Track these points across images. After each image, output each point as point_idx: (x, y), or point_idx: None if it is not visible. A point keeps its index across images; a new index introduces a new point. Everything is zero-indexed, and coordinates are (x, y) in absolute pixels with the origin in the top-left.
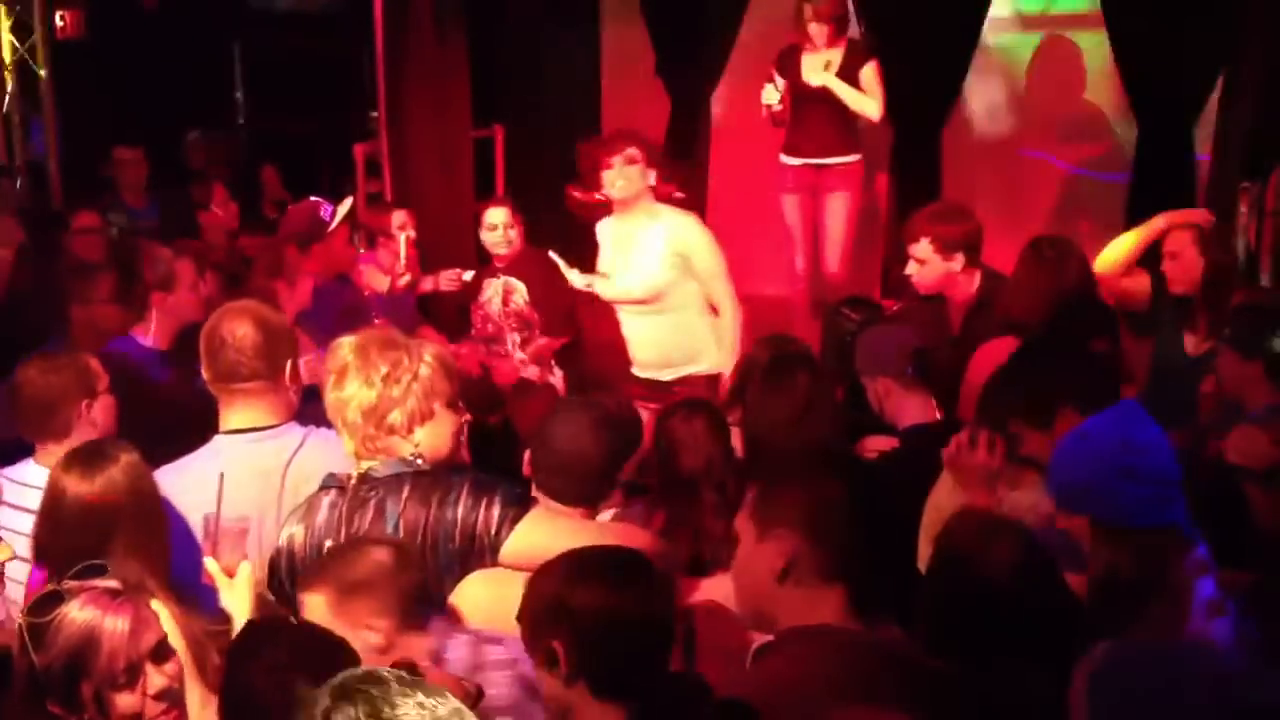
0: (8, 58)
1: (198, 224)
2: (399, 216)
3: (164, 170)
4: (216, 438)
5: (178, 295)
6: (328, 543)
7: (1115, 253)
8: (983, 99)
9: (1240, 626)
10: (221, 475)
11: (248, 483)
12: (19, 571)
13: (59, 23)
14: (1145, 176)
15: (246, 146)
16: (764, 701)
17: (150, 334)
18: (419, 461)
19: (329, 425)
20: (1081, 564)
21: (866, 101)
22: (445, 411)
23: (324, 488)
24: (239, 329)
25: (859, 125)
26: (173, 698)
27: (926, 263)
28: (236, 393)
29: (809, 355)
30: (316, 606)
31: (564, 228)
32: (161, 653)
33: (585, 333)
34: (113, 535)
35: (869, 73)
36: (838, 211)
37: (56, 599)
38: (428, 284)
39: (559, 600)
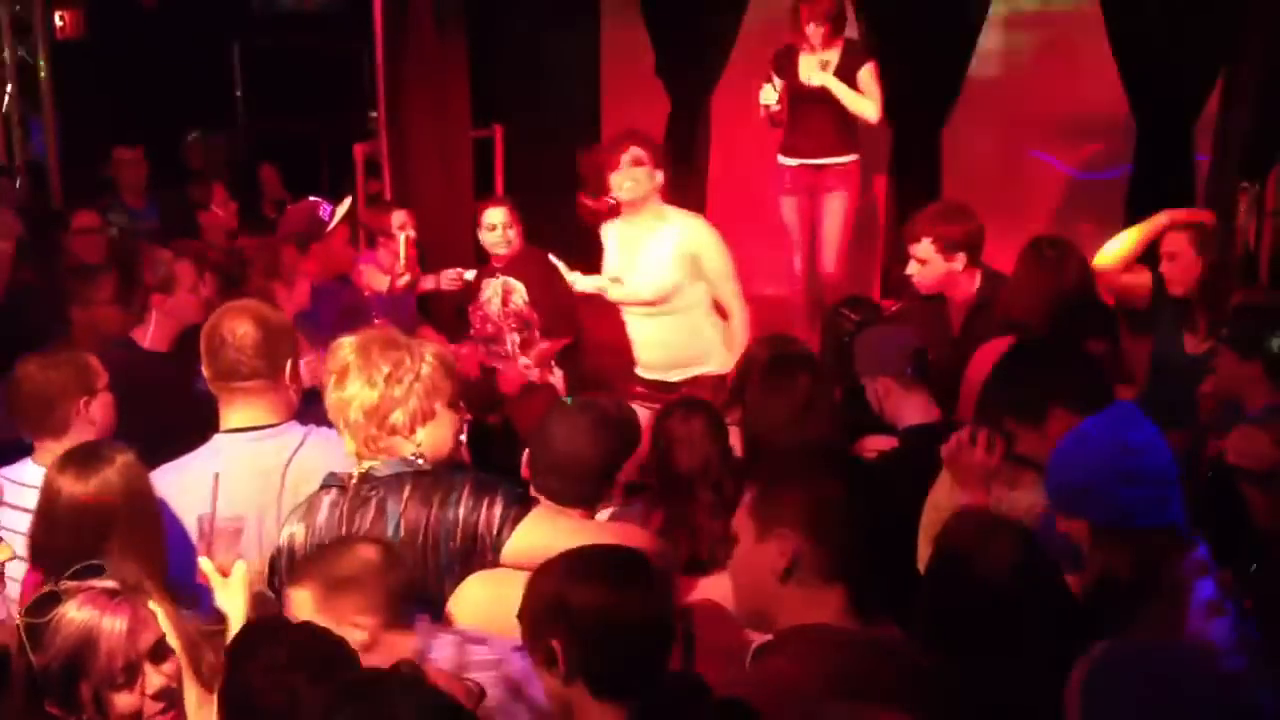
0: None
1: (197, 224)
2: (399, 216)
3: (164, 170)
4: (216, 436)
5: (177, 297)
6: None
7: (1116, 249)
8: (983, 99)
9: (1240, 626)
10: (217, 476)
11: (248, 481)
12: (19, 571)
13: (59, 23)
14: (1145, 176)
15: (246, 146)
16: (763, 701)
17: (149, 336)
18: (420, 461)
19: (330, 426)
20: (1081, 565)
21: (864, 103)
22: (446, 411)
23: (325, 487)
24: (239, 328)
25: (857, 125)
26: (171, 697)
27: (928, 262)
28: (237, 391)
29: (809, 355)
30: (303, 602)
31: (563, 227)
32: (160, 652)
33: (585, 333)
34: (107, 536)
35: (866, 74)
36: (835, 211)
37: (54, 599)
38: (428, 283)
39: (558, 599)
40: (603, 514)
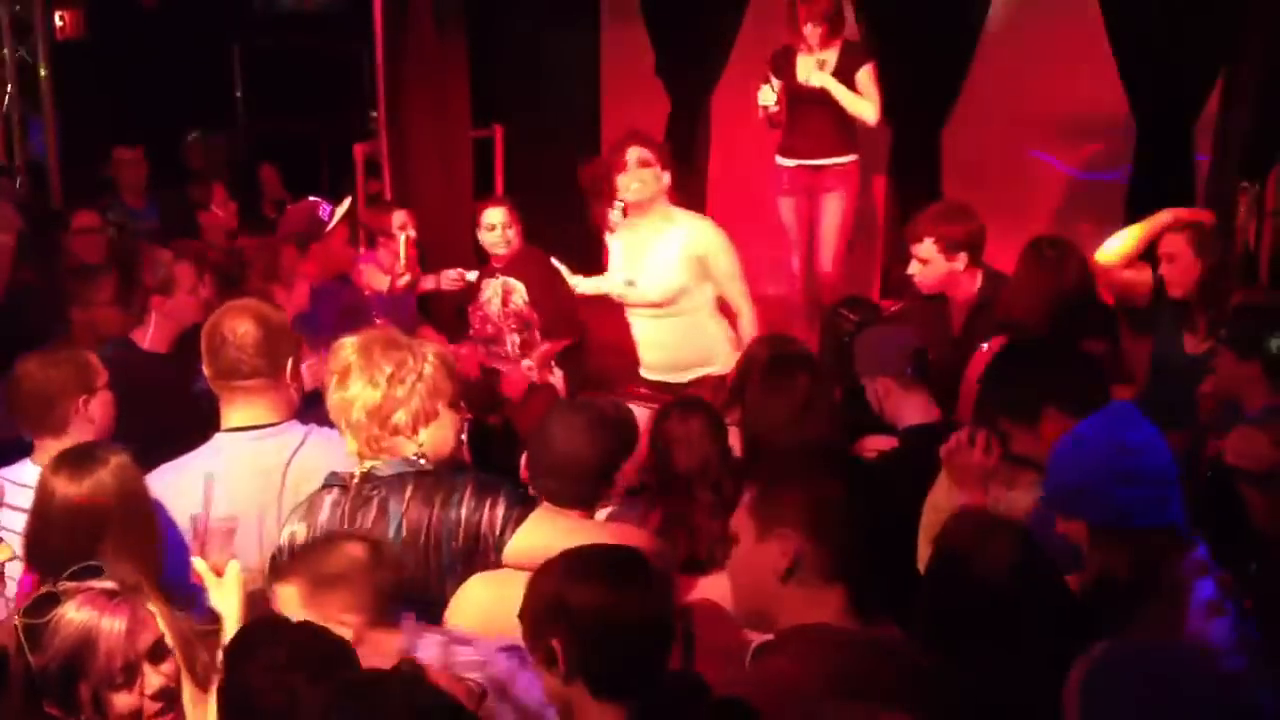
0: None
1: (197, 224)
2: (399, 216)
3: (164, 170)
4: (217, 435)
5: (177, 299)
6: None
7: (1117, 246)
8: (983, 99)
9: (1239, 627)
10: (209, 476)
11: (248, 480)
12: (19, 571)
13: (59, 23)
14: (1145, 176)
15: (246, 146)
16: (763, 701)
17: (149, 337)
18: (422, 461)
19: (331, 426)
20: (1080, 565)
21: (863, 104)
22: (448, 411)
23: (327, 486)
24: (240, 326)
25: (856, 126)
26: (170, 697)
27: (930, 262)
28: (238, 390)
29: (808, 355)
30: (289, 597)
31: (563, 228)
32: (159, 653)
33: (586, 333)
34: (101, 537)
35: (865, 76)
36: (833, 212)
37: (52, 600)
38: (428, 284)
39: (558, 599)
40: (601, 514)
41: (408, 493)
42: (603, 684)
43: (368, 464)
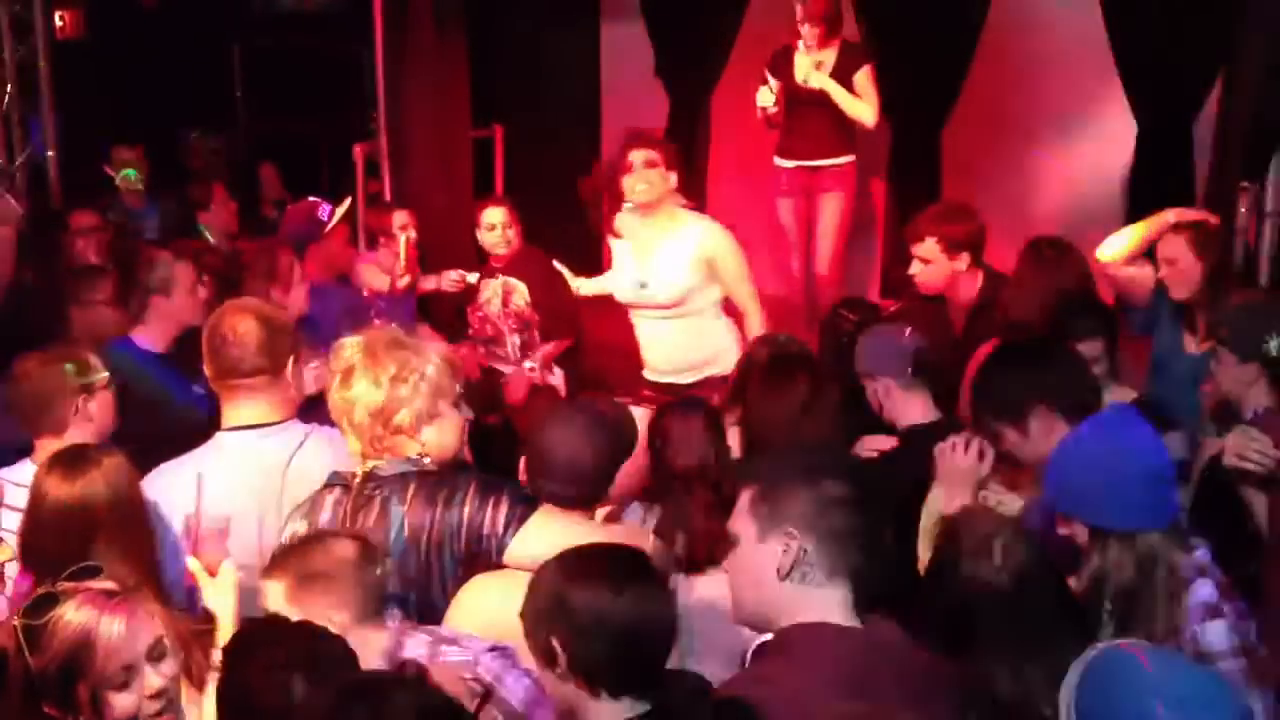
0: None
1: (197, 224)
2: (399, 217)
3: (164, 170)
4: (218, 434)
5: (176, 299)
6: None
7: (1119, 244)
8: (982, 99)
9: (1238, 628)
10: (200, 475)
11: (249, 479)
12: (17, 571)
13: (59, 23)
14: (1145, 176)
15: (246, 146)
16: (763, 700)
17: (149, 337)
18: (425, 461)
19: (332, 426)
20: (1080, 565)
21: (861, 106)
22: (451, 411)
23: (328, 485)
24: (241, 325)
25: (854, 127)
26: (169, 698)
27: (931, 262)
28: (239, 389)
29: (809, 355)
30: (276, 594)
31: (563, 227)
32: (158, 653)
33: (586, 334)
34: (93, 538)
35: (863, 77)
36: (831, 212)
37: (51, 601)
38: (429, 284)
39: (558, 598)
40: (599, 513)
41: (410, 492)
42: (603, 683)
43: (370, 463)
